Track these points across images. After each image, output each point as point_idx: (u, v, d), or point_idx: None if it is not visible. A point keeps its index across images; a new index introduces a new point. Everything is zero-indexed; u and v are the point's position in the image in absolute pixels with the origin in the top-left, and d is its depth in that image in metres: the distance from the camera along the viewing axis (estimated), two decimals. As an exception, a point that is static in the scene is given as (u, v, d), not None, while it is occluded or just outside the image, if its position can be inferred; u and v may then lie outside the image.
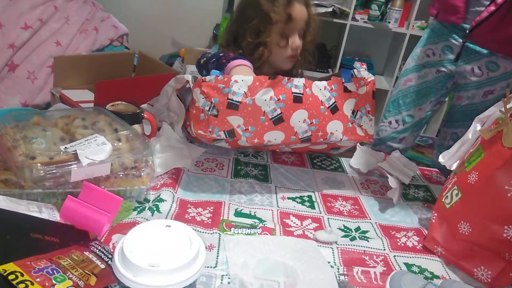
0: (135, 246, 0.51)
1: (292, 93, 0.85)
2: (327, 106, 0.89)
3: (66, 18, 1.95)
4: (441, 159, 0.87)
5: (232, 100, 0.82)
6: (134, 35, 2.42)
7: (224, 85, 0.82)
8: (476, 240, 0.71)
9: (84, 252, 0.60)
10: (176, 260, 0.50)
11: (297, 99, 0.86)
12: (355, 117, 0.93)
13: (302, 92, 0.86)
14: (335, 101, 0.90)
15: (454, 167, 0.83)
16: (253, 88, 0.83)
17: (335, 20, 2.49)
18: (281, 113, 0.85)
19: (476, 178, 0.71)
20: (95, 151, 0.72)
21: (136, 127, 0.94)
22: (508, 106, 0.71)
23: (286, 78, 0.86)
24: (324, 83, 0.90)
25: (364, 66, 0.99)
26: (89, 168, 0.71)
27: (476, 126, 0.81)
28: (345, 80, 0.94)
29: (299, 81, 0.87)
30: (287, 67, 1.14)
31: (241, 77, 0.84)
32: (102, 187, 0.73)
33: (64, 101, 1.59)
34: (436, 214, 0.81)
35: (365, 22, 2.54)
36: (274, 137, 0.86)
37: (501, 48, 1.13)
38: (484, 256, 0.71)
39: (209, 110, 0.83)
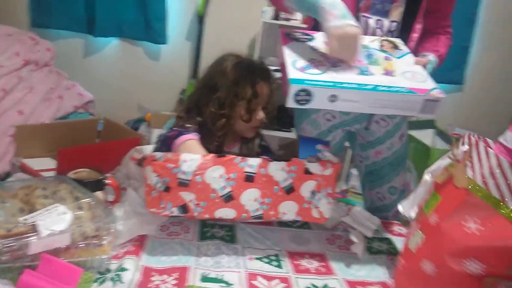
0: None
1: (245, 172, 0.87)
2: (282, 186, 0.89)
3: (30, 87, 1.96)
4: (400, 209, 0.90)
5: (182, 179, 0.84)
6: (100, 101, 2.45)
7: (173, 165, 0.84)
8: (440, 278, 0.73)
9: (40, 330, 0.57)
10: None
11: (249, 178, 0.87)
12: (313, 198, 0.92)
13: (255, 171, 0.88)
14: (292, 182, 0.89)
15: (413, 214, 0.86)
16: (202, 166, 0.85)
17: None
18: (231, 191, 0.86)
19: (436, 219, 0.75)
20: (55, 221, 0.71)
21: (99, 194, 0.93)
22: (455, 153, 0.78)
23: (240, 157, 0.88)
24: (283, 164, 0.89)
25: (327, 148, 0.98)
26: (49, 239, 0.69)
27: (427, 176, 0.86)
28: (303, 155, 0.92)
29: (254, 161, 0.88)
30: (250, 135, 1.20)
31: (190, 156, 0.86)
32: (62, 258, 0.70)
33: (25, 171, 1.55)
34: (401, 261, 0.83)
35: (323, 83, 2.69)
36: (226, 213, 0.88)
37: None
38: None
39: (161, 187, 0.84)
